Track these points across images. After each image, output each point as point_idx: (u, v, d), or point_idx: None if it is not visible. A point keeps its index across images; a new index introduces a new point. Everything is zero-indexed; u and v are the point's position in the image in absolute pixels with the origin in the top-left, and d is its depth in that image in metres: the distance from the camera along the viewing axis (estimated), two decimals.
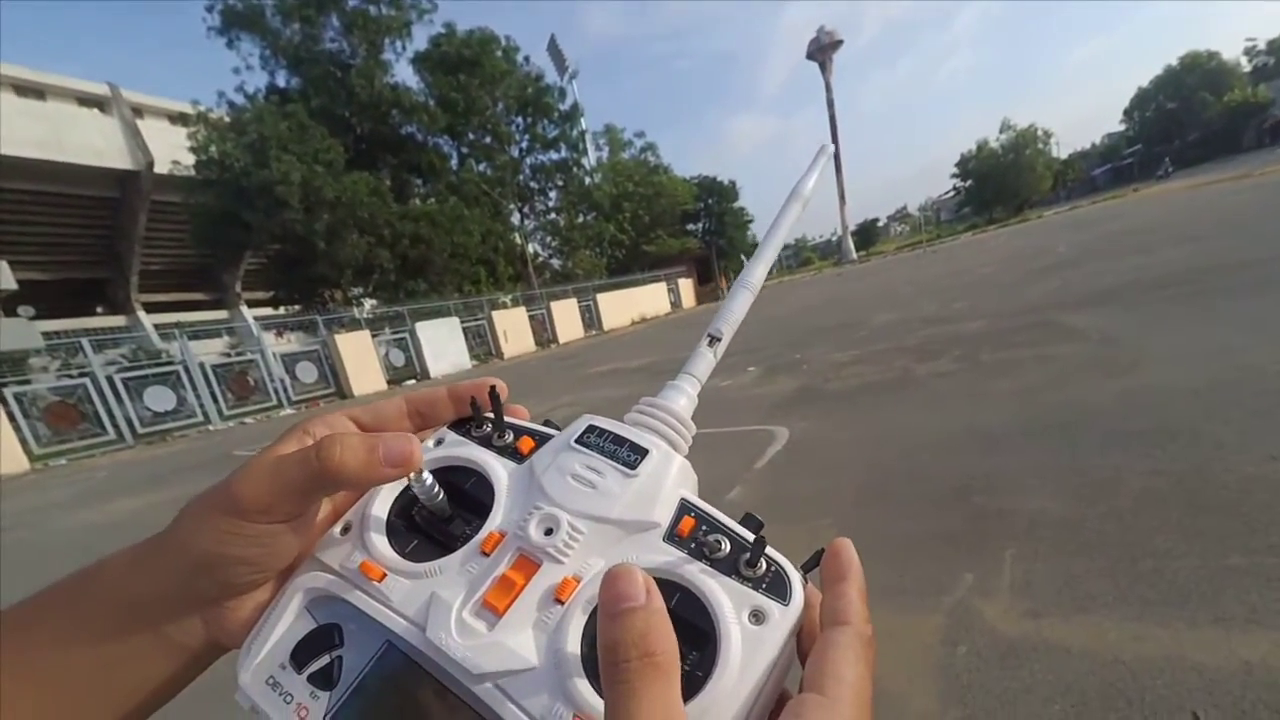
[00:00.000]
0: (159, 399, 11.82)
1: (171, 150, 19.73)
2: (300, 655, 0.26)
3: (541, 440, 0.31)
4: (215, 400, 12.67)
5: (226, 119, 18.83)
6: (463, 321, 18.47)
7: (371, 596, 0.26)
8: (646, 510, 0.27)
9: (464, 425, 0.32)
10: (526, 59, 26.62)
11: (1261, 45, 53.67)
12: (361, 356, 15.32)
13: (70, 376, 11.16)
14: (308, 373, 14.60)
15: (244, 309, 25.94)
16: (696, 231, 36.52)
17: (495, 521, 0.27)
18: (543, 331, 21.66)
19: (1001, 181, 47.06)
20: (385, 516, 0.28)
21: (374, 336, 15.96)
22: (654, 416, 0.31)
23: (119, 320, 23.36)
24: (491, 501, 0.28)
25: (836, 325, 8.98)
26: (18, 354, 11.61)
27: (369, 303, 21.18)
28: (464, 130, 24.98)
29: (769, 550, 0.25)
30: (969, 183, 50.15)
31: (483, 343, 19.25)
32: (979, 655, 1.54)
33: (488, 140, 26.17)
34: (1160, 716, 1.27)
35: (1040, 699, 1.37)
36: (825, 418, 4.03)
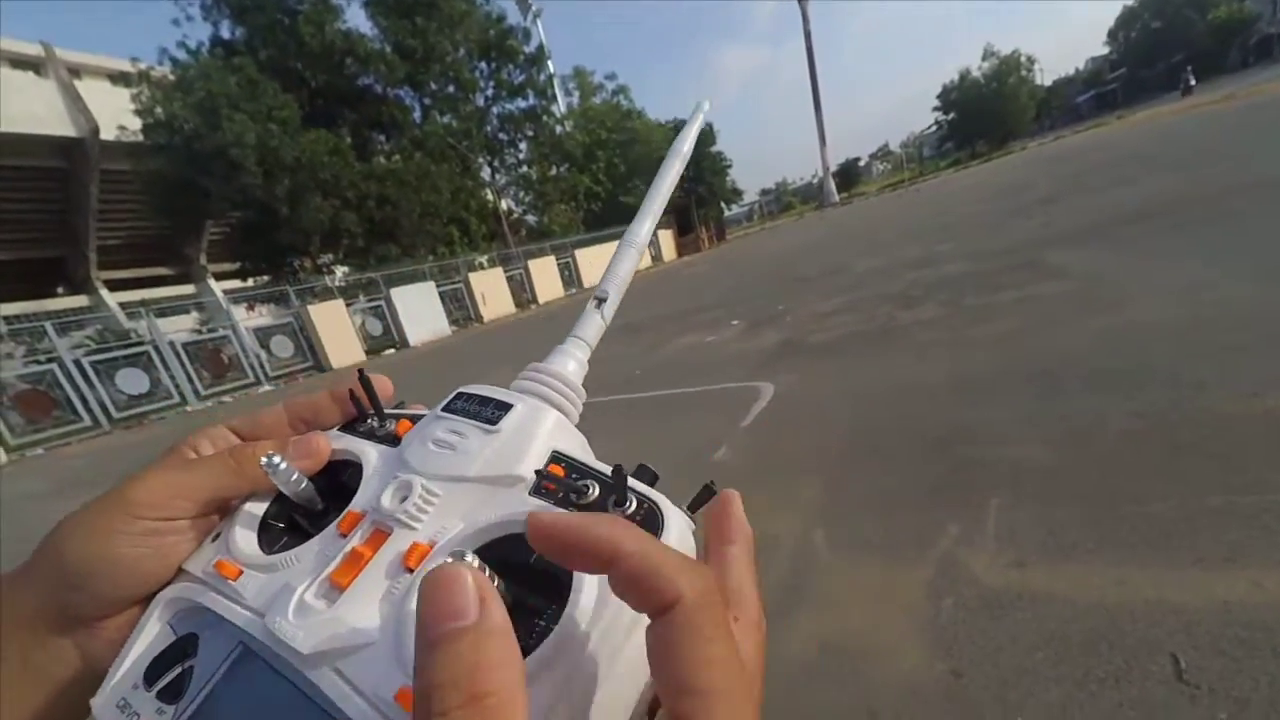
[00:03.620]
0: (131, 381, 11.48)
1: (116, 114, 18.38)
2: (153, 671, 0.24)
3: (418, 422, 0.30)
4: (190, 380, 12.33)
5: (171, 77, 17.53)
6: (439, 285, 18.00)
7: (226, 596, 0.24)
8: (509, 465, 0.25)
9: (352, 425, 0.32)
10: None
11: None
12: (337, 327, 14.95)
13: (38, 362, 10.76)
14: (283, 347, 14.23)
15: (211, 282, 25.03)
16: None
17: (358, 503, 0.26)
18: (521, 292, 21.27)
19: (984, 113, 45.97)
20: (259, 515, 0.27)
21: (348, 305, 15.53)
22: (537, 381, 0.30)
23: (81, 300, 22.46)
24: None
25: (819, 273, 8.90)
26: None
27: (340, 270, 20.53)
28: (425, 79, 23.57)
29: (639, 486, 0.24)
30: (951, 116, 48.97)
31: (461, 307, 18.84)
32: (965, 607, 1.56)
33: (450, 89, 24.77)
34: (1140, 659, 1.30)
35: (1024, 648, 1.40)
36: (810, 371, 4.02)
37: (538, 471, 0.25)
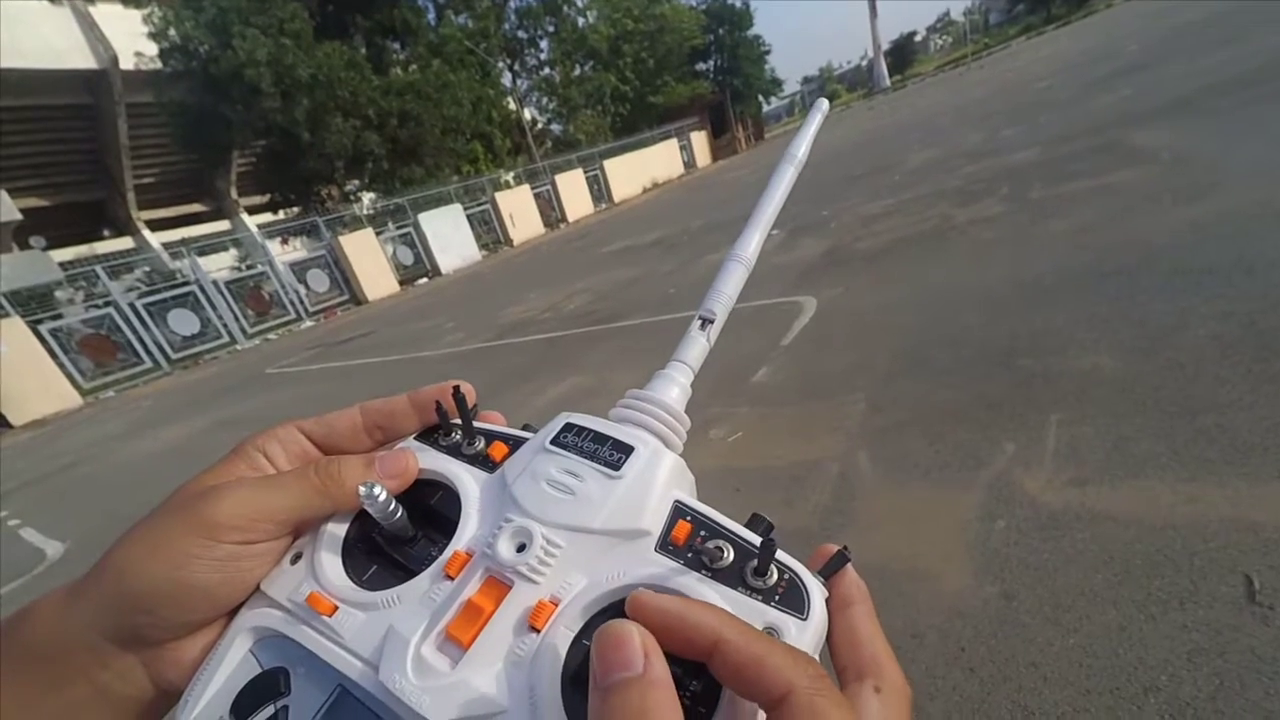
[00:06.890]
0: (183, 322, 11.91)
1: (132, 40, 17.91)
2: (242, 706, 0.23)
3: (516, 445, 0.28)
4: (237, 319, 12.73)
5: None
6: (466, 208, 17.59)
7: (321, 634, 0.23)
8: (634, 517, 0.24)
9: (431, 435, 0.30)
10: None
11: None
12: (369, 257, 14.96)
13: (97, 307, 11.24)
14: (319, 281, 14.35)
15: (244, 216, 25.33)
16: (707, 71, 32.56)
17: (462, 540, 0.25)
18: (550, 211, 20.64)
19: None
20: (342, 539, 0.26)
21: (378, 234, 15.44)
22: (642, 410, 0.28)
23: (126, 242, 23.22)
24: (460, 518, 0.26)
25: (867, 171, 8.23)
26: (40, 289, 11.69)
27: (367, 197, 20.33)
28: None
29: (780, 555, 0.22)
30: None
31: (490, 230, 18.48)
32: (1018, 529, 1.52)
33: None
34: (1209, 580, 1.24)
35: (1081, 570, 1.36)
36: (856, 282, 3.80)
37: (668, 522, 0.24)
